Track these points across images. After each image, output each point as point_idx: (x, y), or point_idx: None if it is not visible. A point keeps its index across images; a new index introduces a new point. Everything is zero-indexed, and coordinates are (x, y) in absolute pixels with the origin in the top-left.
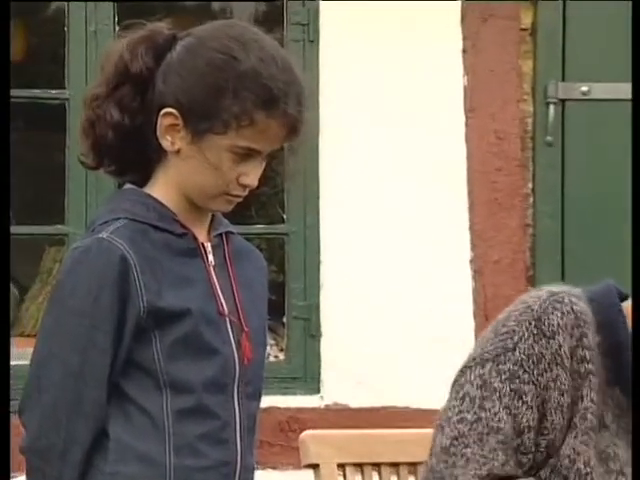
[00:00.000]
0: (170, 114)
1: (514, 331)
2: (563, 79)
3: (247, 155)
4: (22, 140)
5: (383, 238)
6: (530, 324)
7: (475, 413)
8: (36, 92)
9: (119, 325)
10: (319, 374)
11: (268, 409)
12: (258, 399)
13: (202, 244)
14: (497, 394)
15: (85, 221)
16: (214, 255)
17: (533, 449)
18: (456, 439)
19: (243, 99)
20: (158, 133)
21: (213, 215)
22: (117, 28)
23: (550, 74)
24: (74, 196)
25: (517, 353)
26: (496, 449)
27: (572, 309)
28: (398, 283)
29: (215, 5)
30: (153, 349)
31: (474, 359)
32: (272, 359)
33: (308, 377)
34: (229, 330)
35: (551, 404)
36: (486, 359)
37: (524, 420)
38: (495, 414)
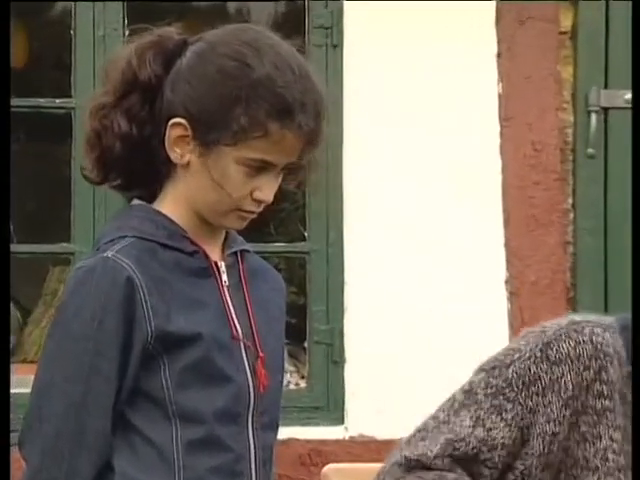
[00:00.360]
0: (179, 124)
1: (519, 349)
2: (606, 86)
3: (261, 168)
4: (24, 152)
5: (412, 257)
6: (536, 346)
7: (448, 415)
8: (39, 101)
9: (125, 351)
10: (343, 403)
11: (288, 441)
12: (275, 430)
13: (215, 263)
14: (476, 405)
15: (92, 239)
16: (228, 275)
17: (500, 467)
18: (419, 430)
19: (256, 109)
20: (166, 145)
21: (227, 232)
22: (127, 32)
23: (592, 80)
24: (80, 212)
25: (510, 370)
26: (445, 453)
27: (591, 340)
28: (428, 305)
29: (231, 6)
30: (161, 376)
31: (479, 366)
32: (292, 387)
33: (331, 406)
34: (243, 355)
35: (535, 429)
36: (482, 369)
37: (499, 436)
38: (463, 422)
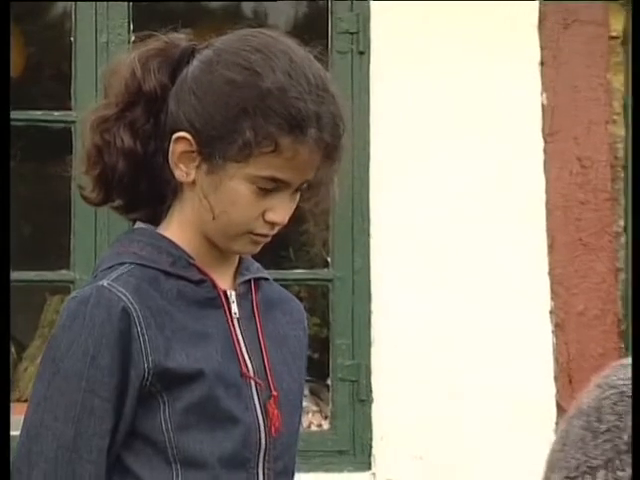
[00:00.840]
0: (183, 139)
1: (618, 428)
2: None
3: (273, 187)
4: (19, 170)
5: (445, 285)
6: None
7: None
8: (36, 114)
9: (120, 389)
10: (370, 447)
11: None
12: (290, 478)
13: (224, 292)
14: None
15: (94, 265)
16: (239, 305)
17: None
18: None
19: (265, 121)
20: (170, 161)
21: (241, 258)
22: (132, 38)
23: None
24: (81, 236)
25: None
26: None
27: None
28: (463, 339)
29: (246, 8)
30: (160, 417)
31: (577, 468)
32: (314, 428)
33: (357, 450)
34: (254, 394)
35: None
36: (596, 466)
37: None
38: None
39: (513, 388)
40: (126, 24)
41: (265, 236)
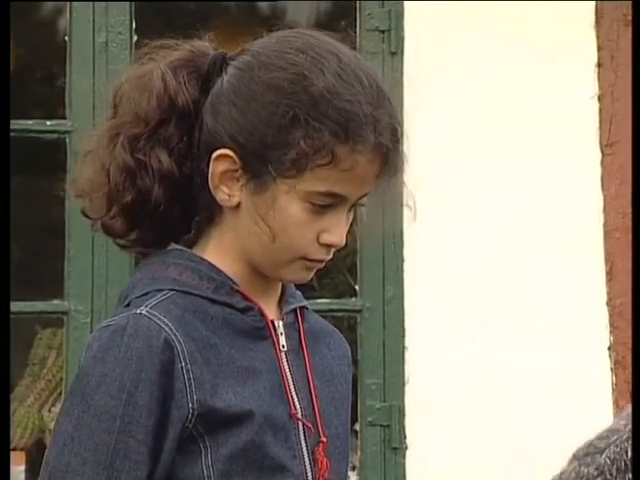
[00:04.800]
0: (225, 157)
1: (617, 430)
2: None
3: (329, 205)
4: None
5: (488, 317)
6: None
7: None
8: (26, 123)
9: (159, 432)
10: None
11: None
12: None
13: (272, 322)
14: None
15: (92, 295)
16: (287, 337)
17: None
18: None
19: (319, 130)
20: (210, 183)
21: (284, 285)
22: (135, 38)
23: None
24: (76, 261)
25: (604, 456)
26: None
27: None
28: (508, 379)
29: (262, 6)
30: (202, 464)
31: (572, 454)
32: None
33: None
34: (302, 439)
35: None
36: (575, 456)
37: None
38: None
39: (566, 436)
40: (128, 22)
41: (321, 261)
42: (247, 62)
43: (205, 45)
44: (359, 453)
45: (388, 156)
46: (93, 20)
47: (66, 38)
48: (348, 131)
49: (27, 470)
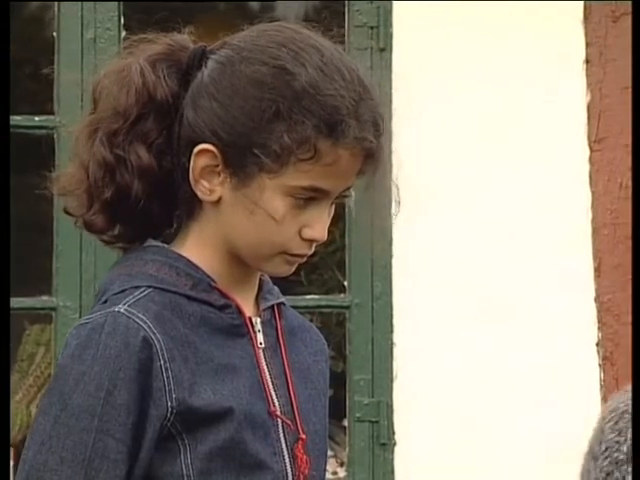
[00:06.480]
0: (206, 152)
1: (618, 442)
2: None
3: (311, 199)
4: None
5: (477, 314)
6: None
7: None
8: (15, 119)
9: (137, 431)
10: None
11: None
12: None
13: (250, 319)
14: None
15: (80, 291)
16: (264, 334)
17: None
18: None
19: (301, 124)
20: (191, 178)
21: (261, 281)
22: (124, 33)
23: None
24: (64, 257)
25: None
26: None
27: None
28: (497, 375)
29: (252, 3)
30: (181, 463)
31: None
32: (329, 476)
33: None
34: (281, 436)
35: None
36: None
37: None
38: None
39: (553, 432)
40: (116, 18)
41: (302, 256)
42: (228, 56)
43: (184, 38)
44: (347, 449)
45: (371, 150)
46: (81, 16)
47: (54, 34)
48: (330, 125)
49: (15, 466)
